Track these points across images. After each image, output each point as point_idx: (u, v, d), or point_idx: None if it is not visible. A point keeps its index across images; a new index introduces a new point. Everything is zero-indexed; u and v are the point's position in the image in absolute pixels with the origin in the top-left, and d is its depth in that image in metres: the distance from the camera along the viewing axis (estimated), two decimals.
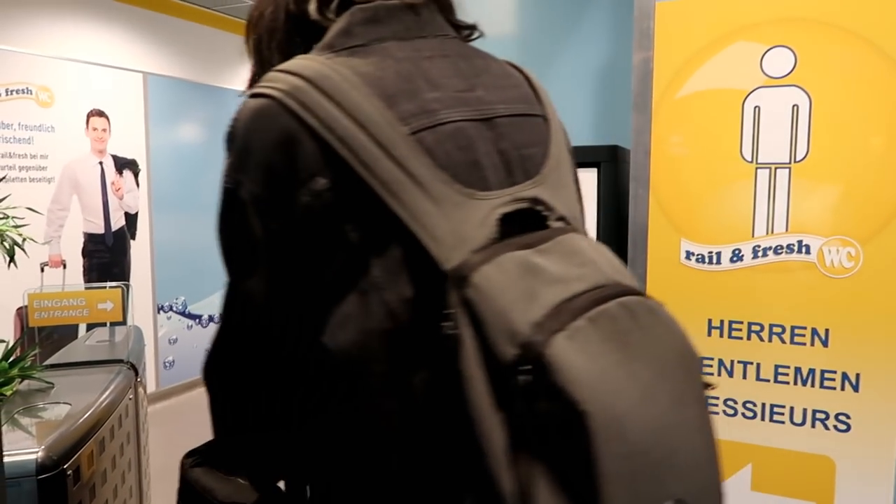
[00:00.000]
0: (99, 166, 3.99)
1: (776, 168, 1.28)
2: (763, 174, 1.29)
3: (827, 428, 1.27)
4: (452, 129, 0.72)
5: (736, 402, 1.34)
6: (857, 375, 1.24)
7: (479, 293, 0.59)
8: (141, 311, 4.09)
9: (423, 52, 0.75)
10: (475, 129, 0.73)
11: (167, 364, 4.40)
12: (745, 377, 1.33)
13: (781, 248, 1.28)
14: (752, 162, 1.30)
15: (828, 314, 1.25)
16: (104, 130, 3.99)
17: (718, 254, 1.33)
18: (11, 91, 3.55)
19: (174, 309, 4.47)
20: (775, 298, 1.29)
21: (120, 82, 4.10)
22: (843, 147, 1.23)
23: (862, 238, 1.22)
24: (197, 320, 4.63)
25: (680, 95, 1.35)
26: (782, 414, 1.30)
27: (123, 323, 2.22)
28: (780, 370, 1.30)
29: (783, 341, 1.29)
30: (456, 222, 0.67)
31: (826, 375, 1.26)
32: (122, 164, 4.11)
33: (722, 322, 1.34)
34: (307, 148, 0.65)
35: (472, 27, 0.82)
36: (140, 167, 4.22)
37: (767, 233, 1.29)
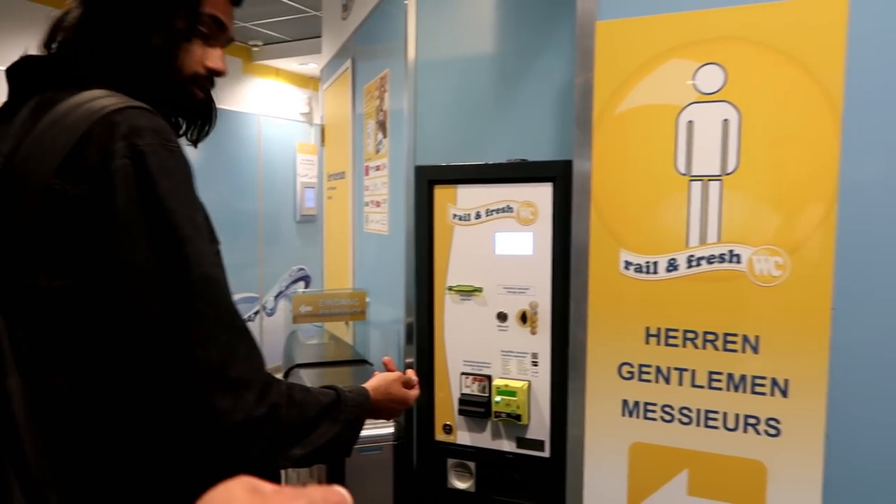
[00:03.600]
0: None
1: (708, 180, 1.32)
2: (696, 186, 1.33)
3: (758, 433, 1.30)
4: None
5: (673, 409, 1.37)
6: (786, 381, 1.27)
7: None
8: None
9: (22, 108, 0.87)
10: None
11: None
12: (681, 384, 1.36)
13: (714, 257, 1.32)
14: (685, 174, 1.34)
15: (758, 321, 1.29)
16: None
17: (655, 263, 1.37)
18: None
19: None
20: (708, 306, 1.33)
21: None
22: (771, 160, 1.27)
23: (789, 248, 1.26)
24: None
25: (619, 111, 1.40)
26: (716, 419, 1.33)
27: None
28: (714, 376, 1.33)
29: (716, 348, 1.33)
30: None
31: (757, 381, 1.29)
32: None
33: (659, 330, 1.37)
34: None
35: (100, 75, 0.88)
36: None
37: (700, 243, 1.33)
